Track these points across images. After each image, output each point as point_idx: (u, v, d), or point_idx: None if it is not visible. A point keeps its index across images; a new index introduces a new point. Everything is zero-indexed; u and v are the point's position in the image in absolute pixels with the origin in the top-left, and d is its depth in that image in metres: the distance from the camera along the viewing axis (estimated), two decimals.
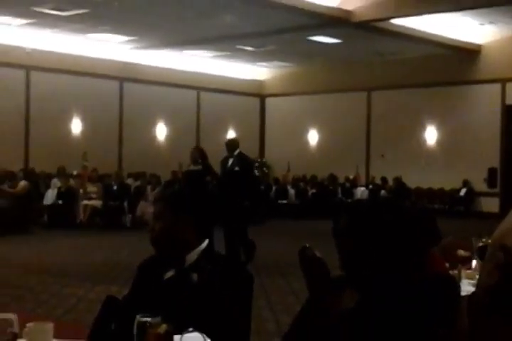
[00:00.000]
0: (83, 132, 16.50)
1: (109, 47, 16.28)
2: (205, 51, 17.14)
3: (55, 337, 1.88)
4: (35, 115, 15.94)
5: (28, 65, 15.56)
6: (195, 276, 2.11)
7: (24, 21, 13.69)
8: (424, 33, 14.54)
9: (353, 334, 1.75)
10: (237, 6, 12.17)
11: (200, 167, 8.66)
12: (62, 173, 14.25)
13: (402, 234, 1.81)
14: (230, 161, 8.41)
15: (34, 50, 15.39)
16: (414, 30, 14.22)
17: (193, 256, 2.15)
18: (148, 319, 1.67)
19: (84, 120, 16.61)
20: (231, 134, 19.06)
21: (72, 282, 7.54)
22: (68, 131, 16.51)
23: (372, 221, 1.80)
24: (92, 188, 13.94)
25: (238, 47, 16.27)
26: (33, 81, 15.94)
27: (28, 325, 1.85)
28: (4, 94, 14.46)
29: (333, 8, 12.87)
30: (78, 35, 14.86)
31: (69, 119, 16.56)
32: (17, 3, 11.97)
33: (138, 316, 1.68)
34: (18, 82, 15.60)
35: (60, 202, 13.49)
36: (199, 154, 8.77)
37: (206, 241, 2.24)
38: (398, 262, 1.80)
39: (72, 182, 13.82)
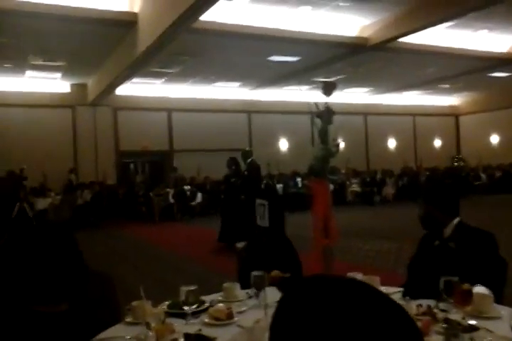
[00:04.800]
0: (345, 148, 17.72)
1: (357, 95, 19.52)
2: (416, 91, 19.70)
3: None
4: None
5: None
6: (452, 244, 2.38)
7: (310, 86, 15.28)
8: None
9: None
10: (437, 60, 13.80)
11: (232, 171, 8.98)
12: (332, 171, 13.49)
13: None
14: (244, 168, 8.85)
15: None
16: None
17: (448, 230, 2.41)
18: (455, 278, 1.74)
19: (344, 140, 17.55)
20: (437, 142, 22.73)
21: (364, 239, 8.39)
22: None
23: None
24: (354, 180, 16.95)
25: (439, 86, 18.52)
26: None
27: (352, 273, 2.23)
28: None
29: (504, 53, 13.63)
30: (340, 90, 14.66)
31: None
32: (301, 76, 14.68)
33: (442, 277, 1.78)
34: None
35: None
36: (233, 162, 9.02)
37: (458, 219, 2.41)
38: None
39: (341, 176, 16.20)
